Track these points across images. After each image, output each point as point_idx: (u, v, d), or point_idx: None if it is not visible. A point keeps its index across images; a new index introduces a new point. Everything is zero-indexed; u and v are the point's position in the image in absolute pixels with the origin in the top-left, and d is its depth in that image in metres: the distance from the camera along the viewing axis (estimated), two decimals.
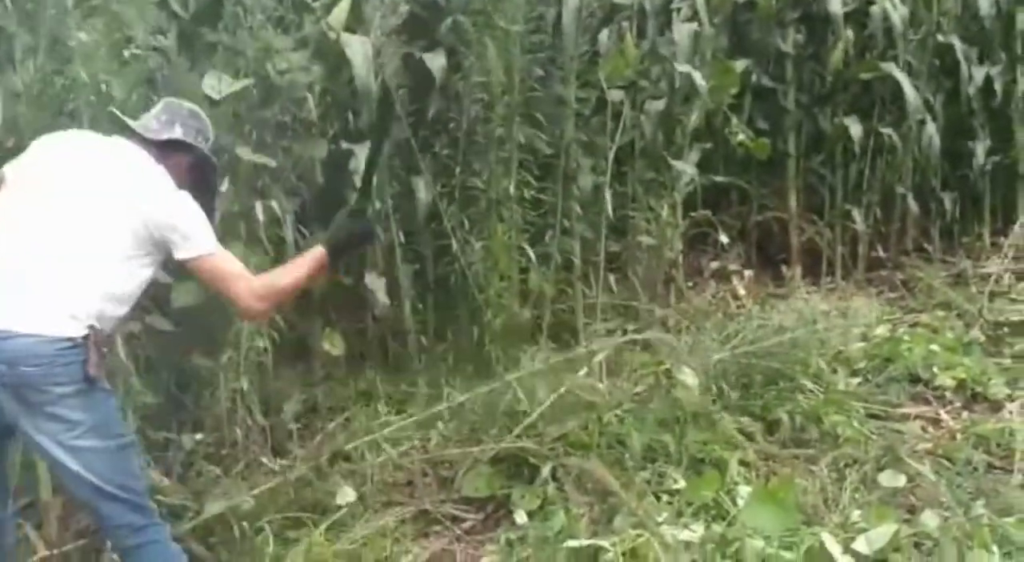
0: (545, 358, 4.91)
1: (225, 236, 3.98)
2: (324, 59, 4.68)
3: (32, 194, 2.81)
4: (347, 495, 3.84)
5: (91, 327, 2.69)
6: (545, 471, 3.92)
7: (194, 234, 2.89)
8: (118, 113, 3.21)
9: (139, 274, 2.87)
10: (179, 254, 2.87)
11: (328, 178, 4.74)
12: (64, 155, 2.92)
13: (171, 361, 4.04)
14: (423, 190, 5.14)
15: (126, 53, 4.12)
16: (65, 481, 2.80)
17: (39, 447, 2.70)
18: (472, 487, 4.00)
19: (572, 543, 3.31)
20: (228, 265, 2.95)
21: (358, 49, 4.59)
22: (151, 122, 3.09)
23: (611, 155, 5.48)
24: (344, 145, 4.80)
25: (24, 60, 3.79)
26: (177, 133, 3.08)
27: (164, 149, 3.03)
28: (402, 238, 5.07)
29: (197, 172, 3.14)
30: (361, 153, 4.71)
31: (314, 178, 4.71)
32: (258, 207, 4.15)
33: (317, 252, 3.06)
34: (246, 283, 2.92)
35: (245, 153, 4.11)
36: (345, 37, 4.57)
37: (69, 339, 2.65)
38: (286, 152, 4.46)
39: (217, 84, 4.01)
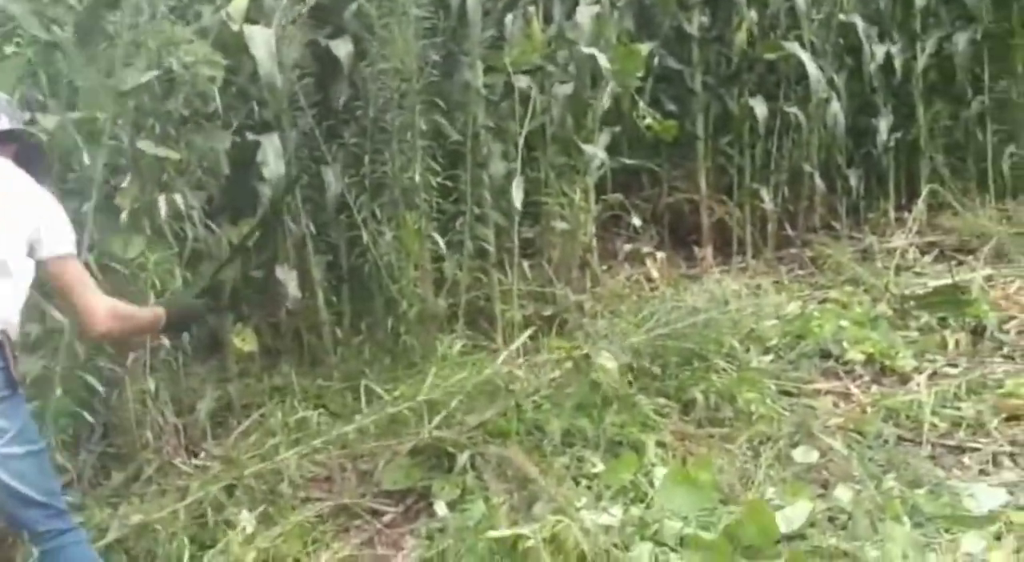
0: (461, 347, 4.91)
1: (128, 231, 3.94)
2: (225, 50, 4.57)
3: None
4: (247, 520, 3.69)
5: (3, 332, 2.64)
6: (463, 460, 3.91)
7: (60, 232, 2.82)
8: None
9: (28, 276, 2.78)
10: (43, 253, 2.77)
11: (234, 170, 4.65)
12: None
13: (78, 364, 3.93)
14: (332, 180, 5.08)
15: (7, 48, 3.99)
16: None
17: None
18: (391, 480, 3.97)
19: (492, 533, 3.29)
20: (86, 275, 2.92)
21: (261, 41, 4.51)
22: None
23: (521, 140, 5.46)
24: (250, 137, 4.70)
25: None
26: (4, 123, 2.93)
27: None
28: (313, 229, 5.00)
29: (27, 156, 3.02)
30: (268, 144, 4.64)
31: (220, 171, 4.61)
32: (161, 201, 4.04)
33: (159, 311, 3.09)
34: (104, 299, 2.85)
35: (147, 146, 4.01)
36: (248, 29, 4.49)
37: None
38: (189, 145, 4.36)
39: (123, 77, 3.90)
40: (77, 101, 4.28)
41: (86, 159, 4.34)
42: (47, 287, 3.01)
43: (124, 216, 3.92)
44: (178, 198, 4.13)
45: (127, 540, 3.46)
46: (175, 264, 4.05)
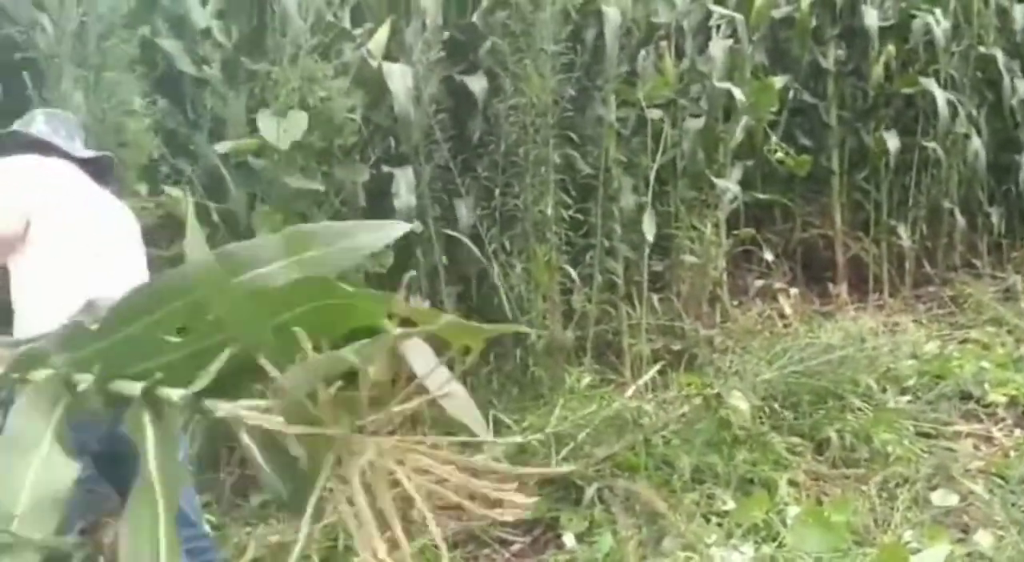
0: (589, 380, 4.90)
1: None
2: (365, 85, 4.73)
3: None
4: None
5: None
6: (591, 492, 3.90)
7: None
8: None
9: None
10: None
11: (370, 202, 4.78)
12: (86, 205, 2.87)
13: None
14: (464, 212, 5.17)
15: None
16: None
17: None
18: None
19: None
20: None
21: (399, 77, 4.63)
22: (61, 139, 3.00)
23: (652, 174, 5.45)
24: (385, 169, 4.82)
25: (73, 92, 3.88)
26: (79, 149, 3.04)
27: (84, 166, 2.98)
28: (445, 260, 5.08)
29: (101, 175, 3.08)
30: (401, 176, 4.75)
31: (356, 202, 4.75)
32: None
33: None
34: None
35: (292, 180, 4.16)
36: (386, 66, 4.62)
37: None
38: (327, 177, 4.50)
39: (273, 125, 4.06)
40: (224, 134, 4.49)
41: (232, 189, 4.57)
42: None
43: None
44: None
45: (263, 560, 3.55)
46: None
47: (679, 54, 5.73)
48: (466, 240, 5.12)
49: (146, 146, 4.04)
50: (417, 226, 4.88)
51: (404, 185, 4.73)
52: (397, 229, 1.90)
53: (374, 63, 4.66)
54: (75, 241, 2.75)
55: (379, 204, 4.83)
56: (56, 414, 1.72)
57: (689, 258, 5.63)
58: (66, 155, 2.95)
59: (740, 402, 4.27)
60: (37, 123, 3.04)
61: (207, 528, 2.98)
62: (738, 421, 4.23)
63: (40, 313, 2.64)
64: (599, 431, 4.30)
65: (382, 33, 4.85)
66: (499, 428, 4.61)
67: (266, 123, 4.11)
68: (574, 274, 5.20)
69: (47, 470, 1.49)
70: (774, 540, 3.53)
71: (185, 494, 2.74)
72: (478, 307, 5.16)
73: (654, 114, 5.50)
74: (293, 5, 4.46)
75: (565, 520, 3.87)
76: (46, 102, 3.80)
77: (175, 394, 1.78)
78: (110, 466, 2.36)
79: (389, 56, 4.83)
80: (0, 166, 2.83)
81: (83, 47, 4.21)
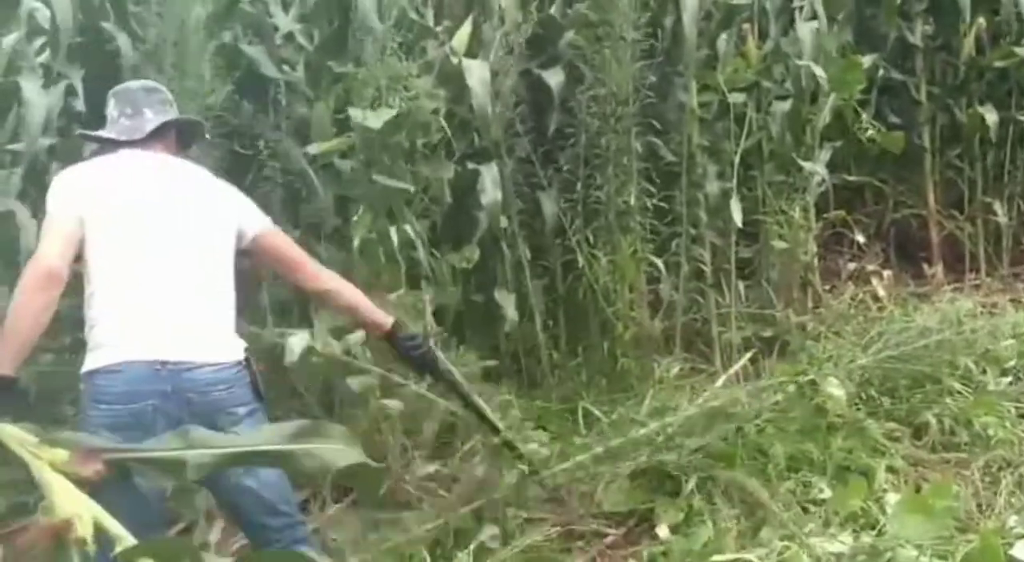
0: (679, 369, 4.87)
1: (364, 259, 4.16)
2: (448, 82, 4.76)
3: (136, 238, 2.79)
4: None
5: (246, 348, 2.84)
6: (690, 484, 3.87)
7: (252, 209, 3.09)
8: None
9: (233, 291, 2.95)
10: (249, 236, 2.99)
11: (456, 198, 4.81)
12: (138, 192, 2.88)
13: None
14: (548, 205, 5.18)
15: None
16: (239, 501, 2.84)
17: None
18: (613, 501, 3.97)
19: (718, 557, 3.25)
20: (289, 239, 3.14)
21: (477, 74, 4.66)
22: (122, 123, 3.03)
23: (737, 159, 5.37)
24: (470, 165, 4.84)
25: None
26: (150, 119, 3.03)
27: (152, 141, 3.02)
28: (529, 254, 5.09)
29: (184, 138, 3.18)
30: (486, 172, 4.77)
31: (443, 199, 4.79)
32: (392, 231, 4.22)
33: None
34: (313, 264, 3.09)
35: (381, 179, 4.20)
36: (465, 63, 4.64)
37: (239, 362, 2.77)
38: (415, 175, 4.55)
39: (364, 116, 4.11)
40: (309, 135, 4.55)
41: (320, 191, 4.63)
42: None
43: (356, 245, 4.13)
44: (407, 227, 4.31)
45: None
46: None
47: (762, 36, 5.63)
48: (548, 233, 5.14)
49: None
50: (503, 221, 4.91)
51: (489, 180, 4.76)
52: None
53: (455, 60, 4.67)
54: (111, 250, 2.77)
55: (465, 200, 4.87)
56: None
57: (778, 244, 5.53)
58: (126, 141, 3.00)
59: (835, 389, 4.19)
60: (109, 108, 3.10)
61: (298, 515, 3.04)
62: (833, 408, 4.16)
63: (90, 324, 2.74)
64: (692, 421, 4.27)
65: (464, 30, 4.88)
66: (589, 420, 4.62)
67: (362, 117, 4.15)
68: (660, 264, 5.16)
69: None
70: (873, 528, 3.46)
71: (272, 483, 2.81)
72: (564, 300, 5.17)
73: (737, 98, 5.41)
74: (372, 6, 4.50)
75: (660, 511, 3.84)
76: None
77: None
78: None
79: (470, 53, 4.84)
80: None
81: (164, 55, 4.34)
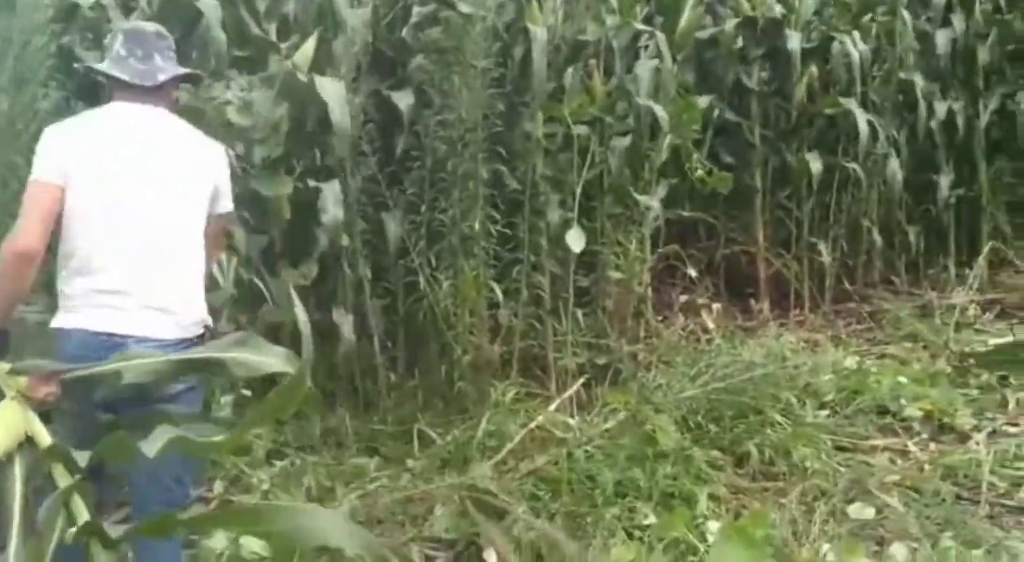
0: (515, 394, 4.91)
1: None
2: (291, 97, 4.70)
3: (108, 206, 2.82)
4: None
5: (205, 324, 2.93)
6: (519, 511, 3.89)
7: (228, 187, 3.10)
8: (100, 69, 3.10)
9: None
10: (216, 209, 3.02)
11: (296, 215, 4.75)
12: (121, 151, 2.89)
13: None
14: (392, 226, 5.16)
15: None
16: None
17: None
18: (443, 526, 3.96)
19: None
20: None
21: (332, 91, 4.60)
22: (133, 66, 2.98)
23: (578, 190, 5.48)
24: (312, 183, 4.80)
25: None
26: (162, 67, 3.01)
27: (159, 89, 3.01)
28: (370, 274, 5.06)
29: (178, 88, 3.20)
30: (328, 190, 4.72)
31: (282, 216, 4.72)
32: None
33: None
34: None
35: None
36: (318, 80, 4.60)
37: (182, 339, 2.83)
38: (252, 192, 4.47)
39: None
40: None
41: None
42: None
43: None
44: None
45: None
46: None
47: (607, 72, 5.77)
48: (391, 254, 5.13)
49: None
50: (344, 239, 4.87)
51: (331, 199, 4.71)
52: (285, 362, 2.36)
53: (302, 76, 4.62)
54: (83, 216, 2.81)
55: (305, 217, 4.81)
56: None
57: (614, 274, 5.67)
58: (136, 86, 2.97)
59: (662, 415, 4.31)
60: (116, 44, 3.03)
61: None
62: (661, 437, 4.27)
63: (59, 284, 2.85)
64: (524, 445, 4.32)
65: (309, 46, 4.83)
66: (424, 441, 4.62)
67: None
68: (498, 290, 5.20)
69: None
70: (695, 555, 3.56)
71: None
72: (404, 321, 5.17)
73: (580, 131, 5.53)
74: (216, 16, 4.43)
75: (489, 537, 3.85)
76: None
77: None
78: None
79: (316, 69, 4.80)
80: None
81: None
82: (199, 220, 2.96)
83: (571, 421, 4.48)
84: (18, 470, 2.15)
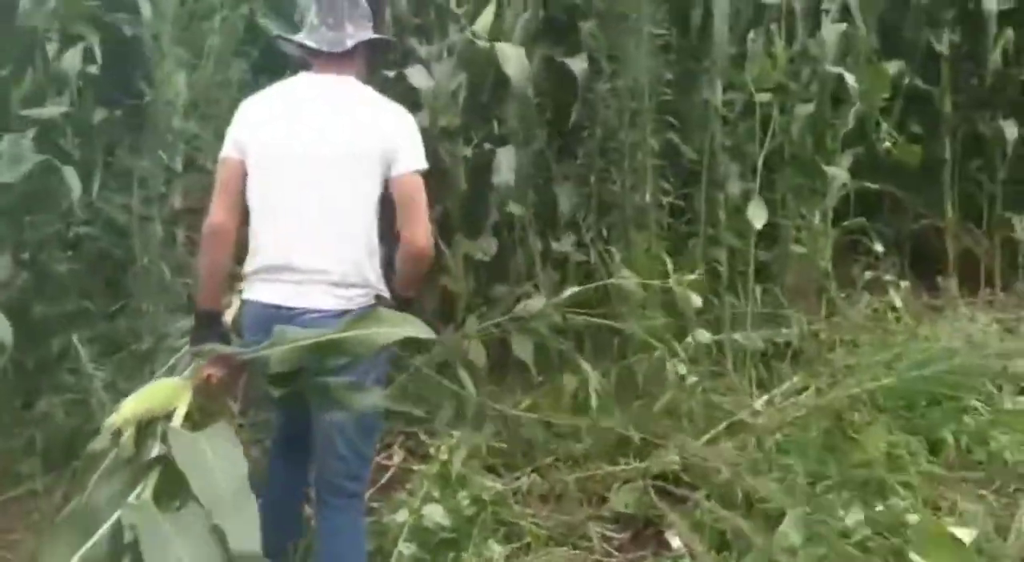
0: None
1: None
2: (470, 66, 4.64)
3: (283, 181, 2.90)
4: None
5: (376, 295, 2.98)
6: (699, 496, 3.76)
7: (416, 146, 2.99)
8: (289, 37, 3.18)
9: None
10: (397, 170, 2.92)
11: (472, 186, 4.70)
12: (296, 125, 2.93)
13: None
14: (563, 198, 5.05)
15: None
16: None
17: None
18: (623, 503, 3.85)
19: None
20: (424, 194, 2.98)
21: (513, 58, 4.50)
22: (323, 33, 3.03)
23: (760, 160, 5.24)
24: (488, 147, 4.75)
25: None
26: (352, 34, 3.04)
27: (348, 56, 3.04)
28: (541, 247, 4.96)
29: (373, 55, 3.20)
30: (504, 156, 4.65)
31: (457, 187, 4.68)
32: None
33: None
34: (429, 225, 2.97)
35: None
36: (499, 47, 4.51)
37: (344, 311, 2.87)
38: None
39: None
40: None
41: None
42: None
43: None
44: None
45: None
46: None
47: (790, 37, 5.50)
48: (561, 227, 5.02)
49: None
50: (518, 209, 4.80)
51: (505, 164, 4.63)
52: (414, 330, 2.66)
53: (482, 44, 4.53)
54: (262, 191, 2.93)
55: (481, 188, 4.75)
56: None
57: (796, 248, 5.40)
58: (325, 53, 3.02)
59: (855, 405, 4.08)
60: (310, 14, 3.10)
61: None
62: (851, 421, 4.05)
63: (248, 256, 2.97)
64: (704, 426, 4.18)
65: (487, 14, 4.76)
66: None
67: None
68: (672, 264, 5.01)
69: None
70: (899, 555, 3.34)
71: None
72: (577, 295, 5.02)
73: (763, 98, 5.28)
74: None
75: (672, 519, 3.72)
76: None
77: None
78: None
79: (493, 38, 4.72)
80: None
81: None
82: (370, 189, 2.93)
83: (757, 405, 4.29)
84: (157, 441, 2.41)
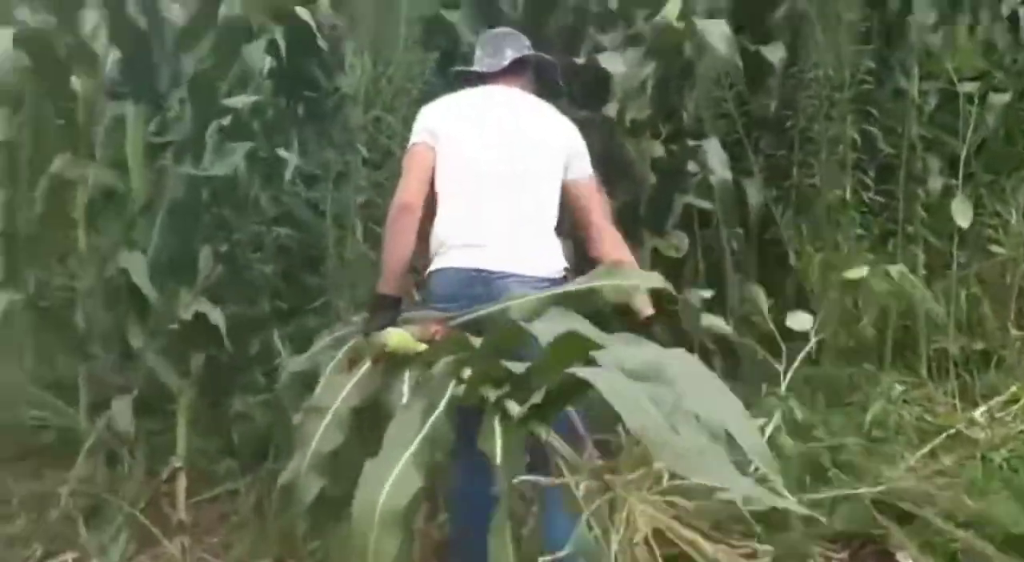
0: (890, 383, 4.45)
1: None
2: (661, 53, 4.43)
3: (475, 165, 3.07)
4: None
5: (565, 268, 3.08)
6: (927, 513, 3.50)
7: (584, 154, 3.23)
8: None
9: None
10: (570, 175, 3.16)
11: (661, 178, 4.49)
12: (483, 117, 3.16)
13: None
14: (753, 192, 4.81)
15: None
16: None
17: None
18: (844, 521, 3.61)
19: None
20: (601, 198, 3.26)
21: (718, 34, 4.23)
22: (485, 61, 3.34)
23: (963, 154, 4.92)
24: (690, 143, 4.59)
25: None
26: (509, 56, 3.30)
27: (511, 73, 3.30)
28: (734, 245, 4.73)
29: (541, 76, 3.41)
30: (713, 150, 4.46)
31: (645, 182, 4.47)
32: None
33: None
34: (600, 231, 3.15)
35: None
36: (701, 23, 4.26)
37: (544, 278, 2.99)
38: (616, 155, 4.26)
39: None
40: None
41: None
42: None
43: None
44: None
45: None
46: None
47: (995, 20, 5.16)
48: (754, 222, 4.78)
49: None
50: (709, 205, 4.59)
51: (716, 158, 4.44)
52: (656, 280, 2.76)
53: (678, 24, 4.28)
54: (454, 176, 3.09)
55: (669, 183, 4.55)
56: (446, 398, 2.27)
57: (995, 249, 5.06)
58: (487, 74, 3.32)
59: None
60: (477, 52, 3.43)
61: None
62: None
63: (434, 237, 3.07)
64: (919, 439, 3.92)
65: (676, 1, 4.52)
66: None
67: None
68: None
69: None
70: None
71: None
72: (773, 293, 4.77)
73: (966, 88, 4.95)
74: None
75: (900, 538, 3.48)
76: None
77: (515, 408, 2.18)
78: None
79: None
80: None
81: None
82: (554, 183, 3.14)
83: (978, 417, 4.01)
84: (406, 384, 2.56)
